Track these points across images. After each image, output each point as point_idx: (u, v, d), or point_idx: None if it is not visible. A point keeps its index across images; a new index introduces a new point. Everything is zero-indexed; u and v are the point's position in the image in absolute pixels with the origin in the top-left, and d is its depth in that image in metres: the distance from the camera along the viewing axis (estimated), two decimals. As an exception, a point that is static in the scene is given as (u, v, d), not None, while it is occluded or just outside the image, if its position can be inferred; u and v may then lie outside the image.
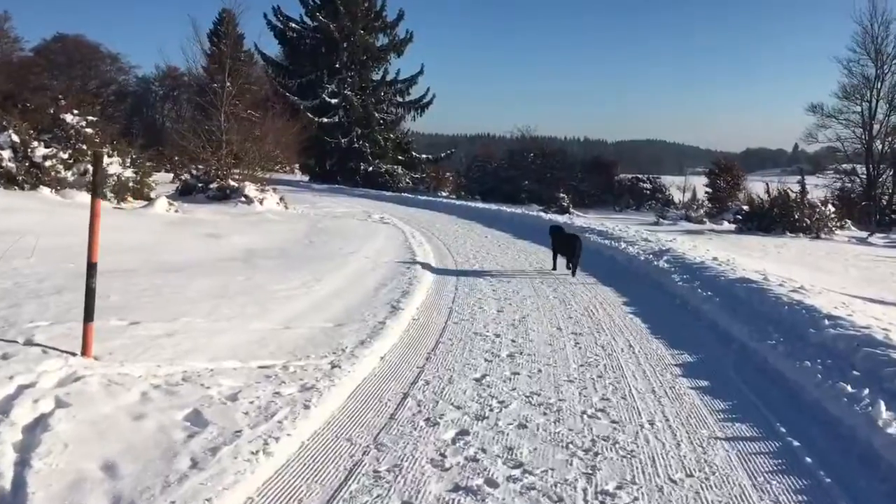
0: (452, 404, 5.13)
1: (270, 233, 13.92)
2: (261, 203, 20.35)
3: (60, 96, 17.28)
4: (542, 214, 21.80)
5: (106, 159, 16.34)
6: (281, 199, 21.57)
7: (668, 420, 4.99)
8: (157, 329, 5.89)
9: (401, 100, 49.71)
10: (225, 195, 20.68)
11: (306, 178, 50.60)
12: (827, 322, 6.77)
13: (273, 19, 47.62)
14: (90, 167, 15.93)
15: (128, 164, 17.04)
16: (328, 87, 46.85)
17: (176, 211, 15.00)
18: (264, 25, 47.74)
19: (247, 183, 20.88)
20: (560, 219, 20.66)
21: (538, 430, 4.71)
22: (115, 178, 16.04)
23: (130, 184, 16.78)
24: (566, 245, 11.65)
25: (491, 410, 5.03)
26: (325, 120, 46.27)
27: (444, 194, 46.45)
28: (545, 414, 5.01)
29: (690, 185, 55.82)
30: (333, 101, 46.40)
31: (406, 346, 6.73)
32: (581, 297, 9.63)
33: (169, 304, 6.86)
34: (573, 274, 11.21)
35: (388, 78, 49.24)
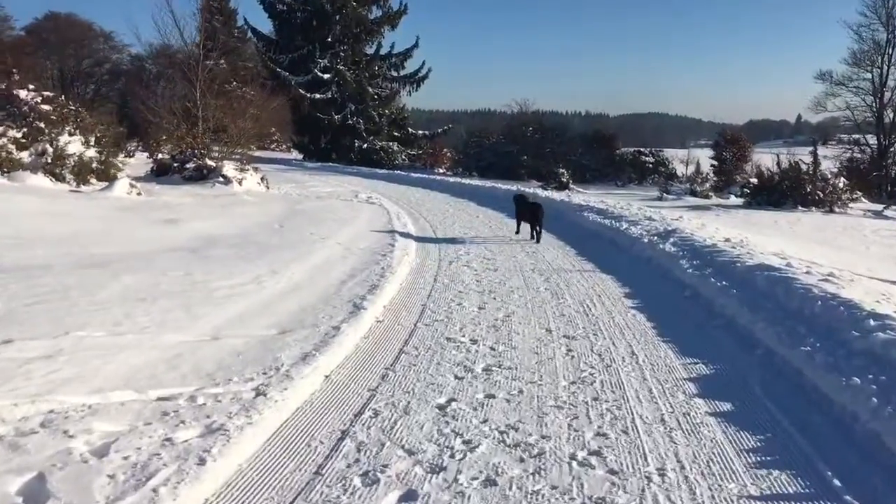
0: (403, 447, 3.95)
1: (239, 217, 12.71)
2: (240, 184, 19.10)
3: (14, 71, 15.95)
4: (539, 192, 20.51)
5: (65, 138, 15.12)
6: (262, 178, 20.31)
7: (683, 468, 3.80)
8: (35, 349, 4.69)
9: (395, 74, 48.15)
10: (202, 175, 19.43)
11: (300, 157, 49.24)
12: (872, 322, 5.54)
13: (262, -8, 46.06)
14: (49, 147, 14.72)
15: (91, 143, 15.78)
16: (320, 62, 45.32)
17: (139, 193, 13.77)
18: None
19: (225, 162, 19.64)
20: (555, 195, 19.38)
21: (511, 488, 3.52)
22: (76, 157, 14.79)
23: (94, 164, 15.53)
24: (529, 213, 12.52)
25: (451, 457, 3.85)
26: (318, 96, 44.83)
27: (441, 171, 45.10)
28: (522, 461, 3.82)
29: (694, 158, 54.31)
30: (326, 76, 44.91)
31: (360, 360, 5.54)
32: (577, 289, 8.41)
33: (69, 311, 5.65)
34: (537, 240, 12.08)
35: (382, 52, 47.66)
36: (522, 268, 9.78)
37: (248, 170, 20.05)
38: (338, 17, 45.56)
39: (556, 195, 19.67)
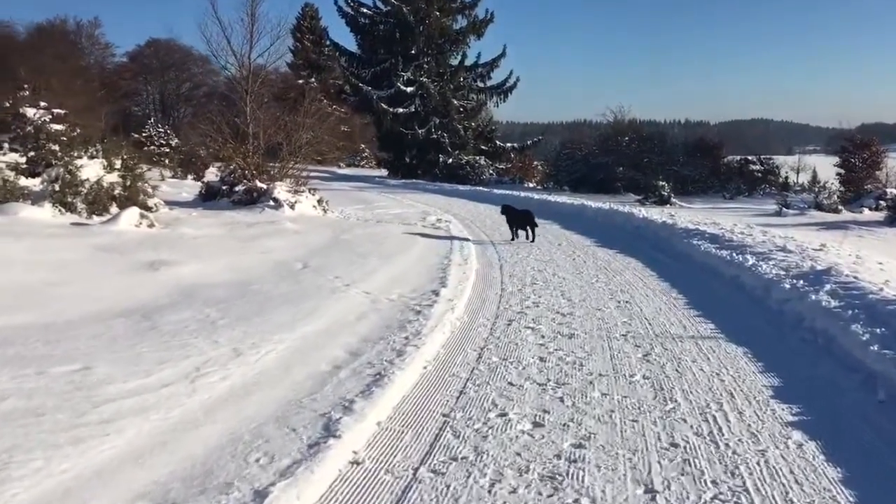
0: None
1: (258, 254, 10.20)
2: (292, 207, 16.74)
3: (26, 85, 14.05)
4: (636, 211, 17.28)
5: (84, 161, 13.07)
6: (320, 200, 17.92)
7: None
8: None
9: (481, 85, 45.50)
10: (251, 199, 17.20)
11: (384, 174, 47.24)
12: None
13: (343, 5, 44.40)
14: (66, 172, 12.69)
15: (116, 167, 13.69)
16: (403, 76, 43.17)
17: (150, 225, 11.50)
18: (335, 13, 44.76)
19: (277, 184, 17.33)
20: (655, 214, 16.11)
21: None
22: (92, 184, 12.69)
23: (116, 191, 13.41)
24: (522, 220, 13.87)
25: None
26: (401, 110, 42.67)
27: (530, 185, 42.11)
28: None
29: (806, 166, 49.51)
30: (409, 89, 42.71)
31: None
32: (694, 379, 5.38)
33: None
34: (532, 240, 13.51)
35: (468, 62, 45.13)
36: (610, 331, 6.80)
37: (303, 191, 17.68)
38: (421, 29, 43.35)
39: (657, 214, 16.43)
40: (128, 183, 13.75)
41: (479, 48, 56.25)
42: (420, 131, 42.94)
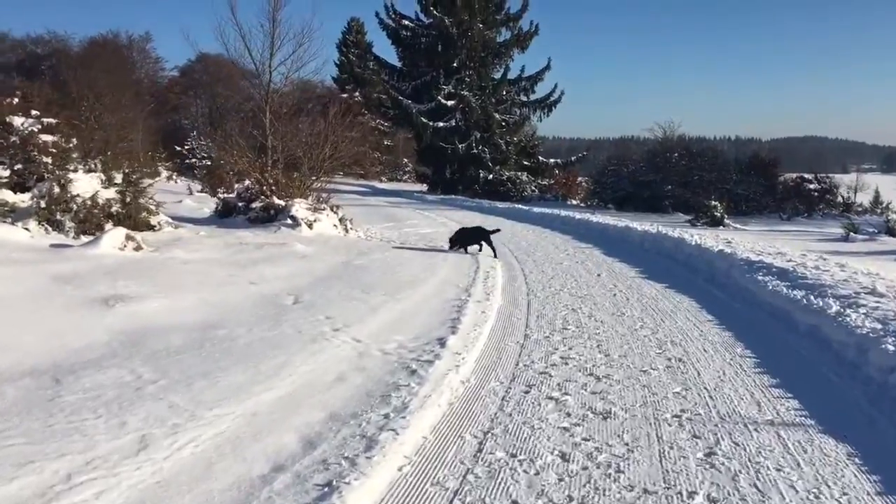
0: None
1: (246, 284, 8.74)
2: (310, 226, 15.34)
3: (19, 93, 12.87)
4: (687, 236, 15.42)
5: (79, 175, 11.82)
6: (342, 219, 16.49)
7: None
8: None
9: (525, 99, 43.92)
10: (269, 216, 15.86)
11: (424, 189, 45.86)
12: None
13: (385, 17, 43.32)
14: (57, 187, 11.45)
15: (116, 181, 12.43)
16: (444, 89, 41.82)
17: (137, 248, 10.13)
18: (376, 25, 43.71)
19: (296, 201, 15.95)
20: (709, 239, 14.25)
21: None
22: (83, 200, 11.42)
23: (114, 207, 12.12)
24: (478, 236, 13.68)
25: None
26: (441, 124, 41.31)
27: (573, 202, 40.30)
28: None
29: (864, 185, 46.83)
30: (450, 103, 41.33)
31: None
32: None
33: None
34: (494, 255, 13.07)
35: (511, 76, 43.63)
36: (658, 409, 5.12)
37: (324, 209, 16.28)
38: (463, 41, 42.00)
39: (710, 239, 14.57)
40: (127, 199, 12.45)
41: (522, 61, 54.95)
42: (460, 146, 41.51)
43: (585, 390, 5.55)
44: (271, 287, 8.78)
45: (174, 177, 36.97)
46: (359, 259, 11.82)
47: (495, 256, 12.99)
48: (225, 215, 16.59)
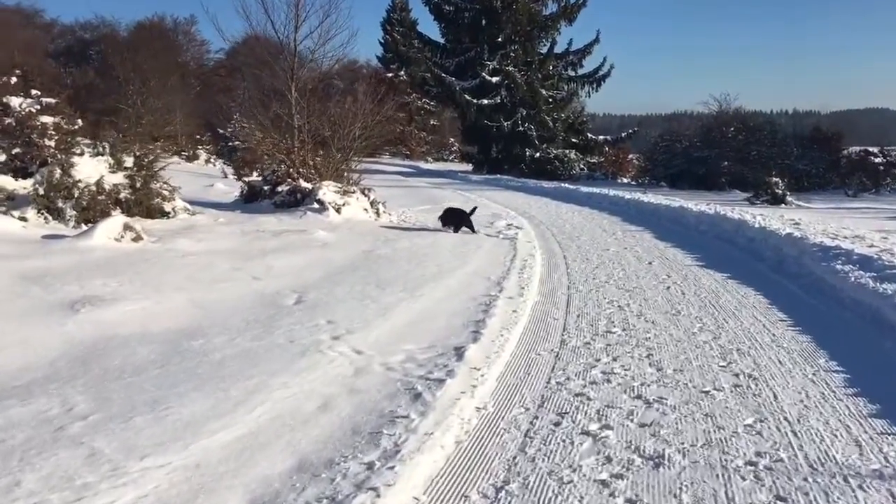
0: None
1: (249, 279, 7.77)
2: (338, 211, 14.36)
3: (19, 72, 12.04)
4: (749, 217, 13.95)
5: (83, 159, 11.00)
6: (373, 202, 15.47)
7: None
8: None
9: (572, 73, 42.23)
10: (295, 200, 14.94)
11: (469, 168, 44.62)
12: None
13: (428, -8, 41.98)
14: (60, 172, 10.65)
15: (126, 166, 11.60)
16: (489, 65, 40.42)
17: (136, 238, 9.22)
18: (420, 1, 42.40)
19: (324, 183, 14.97)
20: (774, 221, 12.81)
21: None
22: (87, 187, 10.60)
23: (122, 193, 11.29)
24: (459, 218, 13.42)
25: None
26: (486, 102, 39.97)
27: (624, 180, 38.68)
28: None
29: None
30: (494, 79, 39.92)
31: None
32: None
33: None
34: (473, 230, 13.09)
35: (557, 50, 41.92)
36: (727, 450, 3.93)
37: (354, 192, 15.27)
38: (508, 15, 40.44)
39: (775, 221, 13.12)
40: (137, 184, 11.60)
41: (570, 34, 52.79)
42: (506, 124, 40.13)
43: (632, 421, 4.39)
44: (276, 283, 7.77)
45: (213, 160, 36.45)
46: (383, 248, 10.76)
47: (474, 232, 13.01)
48: (250, 200, 15.72)
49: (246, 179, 16.08)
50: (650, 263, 10.30)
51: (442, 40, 43.76)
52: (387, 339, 5.85)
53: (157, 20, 62.53)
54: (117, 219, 9.39)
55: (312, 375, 4.88)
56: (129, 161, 11.79)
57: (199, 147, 38.39)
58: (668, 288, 8.52)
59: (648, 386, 5.03)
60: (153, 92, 43.60)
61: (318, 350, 5.42)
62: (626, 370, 5.38)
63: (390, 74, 74.47)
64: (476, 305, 7.20)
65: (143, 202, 11.78)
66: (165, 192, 12.17)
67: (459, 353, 5.49)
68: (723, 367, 5.46)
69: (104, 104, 49.74)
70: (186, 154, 34.80)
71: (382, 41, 75.63)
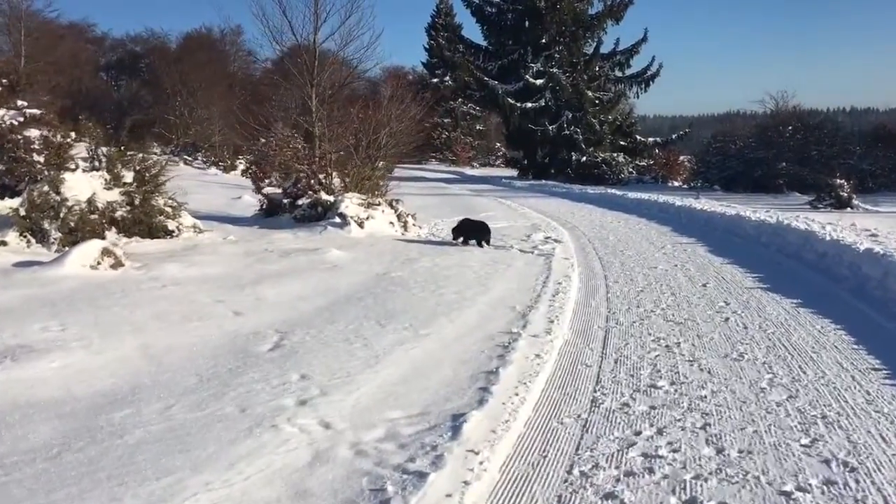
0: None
1: (229, 314, 6.61)
2: (361, 225, 13.21)
3: (5, 81, 11.08)
4: (817, 227, 12.36)
5: (76, 175, 10.05)
6: (399, 215, 14.27)
7: None
8: None
9: (619, 74, 40.45)
10: (316, 214, 13.84)
11: (514, 174, 43.17)
12: None
13: (468, -5, 40.74)
14: (50, 190, 9.70)
15: (125, 181, 10.61)
16: (532, 67, 38.95)
17: (116, 265, 8.16)
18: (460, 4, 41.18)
19: (348, 195, 13.83)
20: (847, 234, 11.19)
21: None
22: (77, 205, 9.61)
23: (118, 212, 10.31)
24: (477, 230, 12.26)
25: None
26: (529, 105, 38.49)
27: (675, 184, 36.79)
28: None
29: None
30: (538, 82, 38.43)
31: None
32: None
33: None
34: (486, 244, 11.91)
35: (604, 50, 40.19)
36: None
37: (379, 204, 14.09)
38: (552, 15, 38.95)
39: (847, 231, 11.50)
40: (136, 201, 10.60)
41: (616, 33, 51.14)
42: (551, 127, 38.61)
43: None
44: (260, 319, 6.59)
45: (251, 170, 35.73)
46: (400, 269, 9.52)
47: (481, 245, 11.97)
48: (271, 214, 14.67)
49: (265, 192, 15.03)
50: (704, 286, 8.84)
51: (484, 43, 42.45)
52: (368, 403, 4.60)
53: (204, 31, 62.63)
54: (94, 243, 8.34)
55: (252, 468, 3.65)
56: (128, 176, 10.79)
57: (238, 158, 37.80)
58: (727, 320, 7.08)
59: (706, 481, 3.67)
60: (199, 102, 43.36)
61: (274, 424, 4.19)
62: (674, 451, 4.02)
63: (435, 80, 73.78)
64: (492, 348, 5.90)
65: (144, 221, 10.79)
66: (168, 210, 11.14)
67: (457, 425, 4.22)
68: (806, 447, 4.06)
69: (147, 115, 49.78)
70: (224, 165, 34.18)
71: (427, 46, 74.78)
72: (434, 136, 75.92)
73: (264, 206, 14.78)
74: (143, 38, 62.47)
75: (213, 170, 33.23)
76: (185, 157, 34.86)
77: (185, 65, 44.51)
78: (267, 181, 15.33)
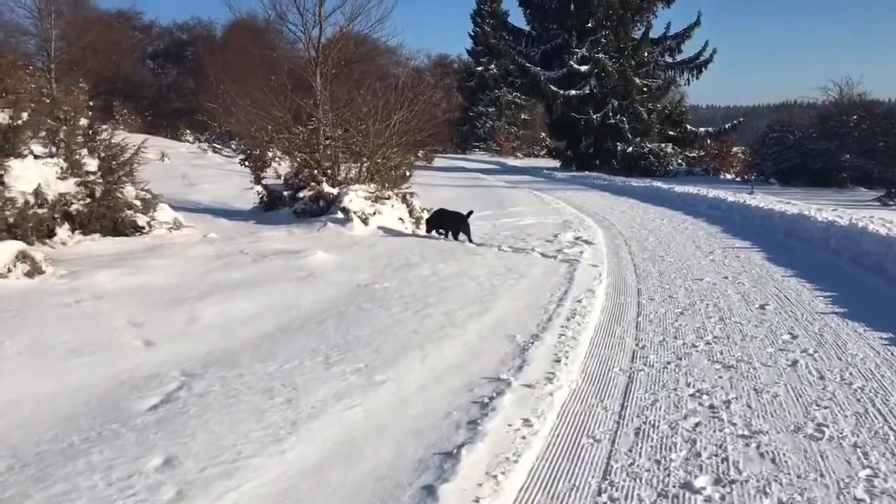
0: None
1: (125, 348, 5.04)
2: (364, 221, 11.61)
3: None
4: (882, 222, 10.40)
5: (19, 164, 8.60)
6: (411, 210, 12.65)
7: None
8: None
9: (670, 60, 37.97)
10: (319, 208, 12.28)
11: (556, 165, 41.13)
12: None
13: (512, -23, 38.70)
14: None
15: (87, 169, 9.17)
16: (577, 53, 36.79)
17: (34, 273, 6.59)
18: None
19: (353, 187, 12.24)
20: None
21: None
22: (22, 199, 8.19)
23: (73, 206, 8.89)
24: (453, 223, 11.11)
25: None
26: (573, 93, 36.37)
27: (728, 176, 34.37)
28: None
29: None
30: (583, 68, 36.26)
31: None
32: None
33: None
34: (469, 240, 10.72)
35: (654, 34, 37.75)
36: None
37: (388, 198, 12.46)
38: (599, -2, 36.68)
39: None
40: (96, 193, 9.14)
41: (667, 17, 48.38)
42: (595, 116, 36.42)
43: None
44: (171, 352, 5.01)
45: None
46: (389, 278, 7.85)
47: (470, 241, 10.74)
48: (271, 207, 13.15)
49: (264, 183, 13.51)
50: (762, 308, 6.98)
51: (527, 28, 40.38)
52: (290, 483, 2.97)
53: (249, 19, 61.78)
54: (8, 245, 6.87)
55: None
56: (91, 164, 9.32)
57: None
58: (795, 363, 5.25)
59: None
60: (236, 90, 42.38)
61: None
62: None
63: (479, 68, 71.74)
64: (465, 406, 4.22)
65: (108, 215, 9.31)
66: (137, 203, 9.66)
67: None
68: None
69: (187, 103, 48.97)
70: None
71: (472, 34, 72.85)
72: (478, 126, 74.20)
73: (264, 199, 13.26)
74: (189, 25, 61.94)
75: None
76: (215, 145, 33.60)
77: (228, 53, 43.62)
78: (269, 170, 13.78)
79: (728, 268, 9.21)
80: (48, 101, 9.61)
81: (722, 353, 5.51)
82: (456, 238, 11.07)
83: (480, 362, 5.09)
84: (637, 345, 5.79)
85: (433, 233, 11.42)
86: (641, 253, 10.51)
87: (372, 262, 8.90)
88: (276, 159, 14.11)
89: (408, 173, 20.61)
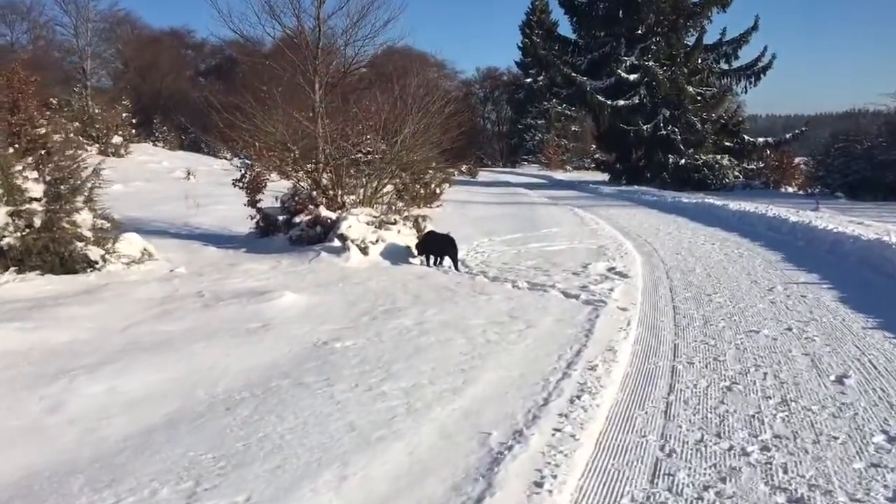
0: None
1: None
2: (363, 251, 10.06)
3: None
4: None
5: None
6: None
7: None
8: None
9: (725, 66, 35.61)
10: (317, 235, 10.82)
11: (605, 179, 39.07)
12: None
13: (557, -16, 36.97)
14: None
15: (33, 196, 7.86)
16: (625, 61, 34.77)
17: None
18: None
19: (354, 211, 10.71)
20: None
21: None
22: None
23: (5, 239, 7.56)
24: (439, 247, 9.91)
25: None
26: (622, 103, 34.33)
27: (789, 189, 31.87)
28: None
29: None
30: (632, 77, 34.21)
31: None
32: None
33: None
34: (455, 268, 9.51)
35: (708, 40, 35.47)
36: None
37: (395, 222, 10.88)
38: (650, 3, 34.64)
39: None
40: (36, 223, 7.79)
41: (723, 22, 45.92)
42: (645, 127, 34.32)
43: None
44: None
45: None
46: (358, 333, 6.23)
47: (456, 269, 9.57)
48: (265, 233, 11.73)
49: (259, 207, 12.08)
50: (841, 381, 5.13)
51: (573, 36, 38.56)
52: None
53: (298, 32, 61.23)
54: None
55: None
56: (36, 189, 7.99)
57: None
58: (901, 496, 3.44)
59: None
60: (275, 106, 41.68)
61: None
62: None
63: (528, 80, 69.89)
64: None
65: (52, 248, 7.94)
66: (88, 235, 8.26)
67: None
68: None
69: (232, 119, 48.39)
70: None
71: (521, 45, 71.31)
72: (527, 138, 72.35)
73: (259, 224, 11.83)
74: (239, 43, 61.82)
75: (274, 175, 30.84)
76: (247, 162, 32.50)
77: (273, 69, 42.94)
78: (254, 192, 12.33)
79: (792, 313, 7.32)
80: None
81: (788, 463, 3.75)
82: (437, 263, 9.84)
83: (423, 490, 3.43)
84: (663, 448, 4.04)
85: (418, 260, 10.11)
86: (685, 290, 8.66)
87: (351, 305, 7.30)
88: (271, 178, 12.64)
89: (437, 190, 18.95)
